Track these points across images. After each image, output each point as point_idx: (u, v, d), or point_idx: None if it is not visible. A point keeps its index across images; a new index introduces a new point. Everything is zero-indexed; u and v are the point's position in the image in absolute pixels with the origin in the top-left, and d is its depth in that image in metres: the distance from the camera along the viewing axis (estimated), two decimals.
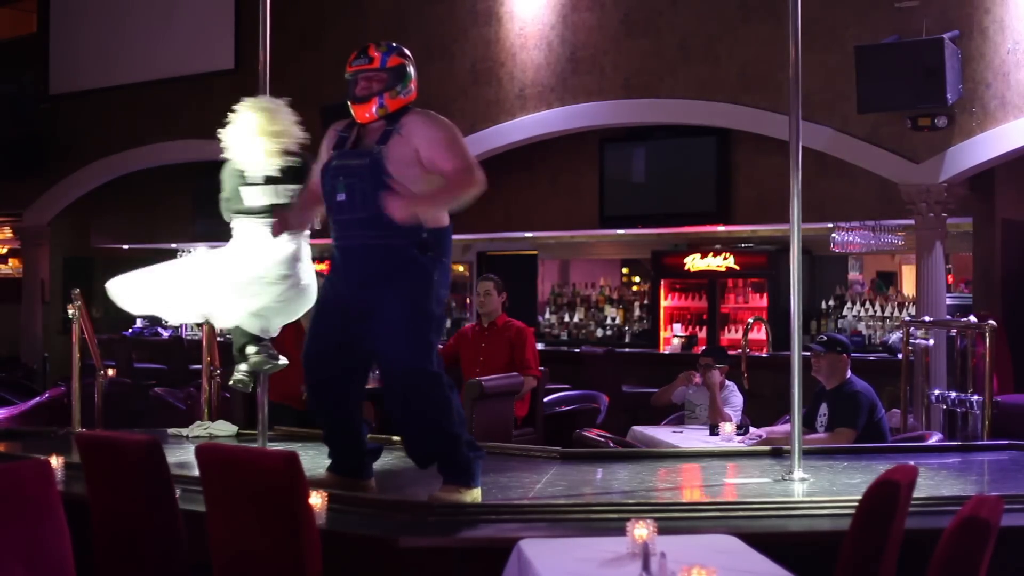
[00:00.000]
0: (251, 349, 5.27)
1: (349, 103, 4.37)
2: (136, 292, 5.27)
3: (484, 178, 4.24)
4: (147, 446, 3.91)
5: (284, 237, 4.93)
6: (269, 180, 5.12)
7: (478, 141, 11.03)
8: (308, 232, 5.03)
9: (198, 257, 5.33)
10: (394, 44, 4.43)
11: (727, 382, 7.47)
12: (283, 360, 5.26)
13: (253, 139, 5.07)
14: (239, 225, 5.21)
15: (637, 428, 7.28)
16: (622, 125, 10.76)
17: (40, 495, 3.46)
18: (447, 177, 4.22)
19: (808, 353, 5.96)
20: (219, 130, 5.14)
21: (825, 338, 6.50)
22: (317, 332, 4.44)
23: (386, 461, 4.85)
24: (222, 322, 5.23)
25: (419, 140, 4.23)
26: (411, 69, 4.40)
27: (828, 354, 6.27)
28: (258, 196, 5.14)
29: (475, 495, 4.25)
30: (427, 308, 4.21)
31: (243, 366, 5.30)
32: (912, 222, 9.29)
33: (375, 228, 4.20)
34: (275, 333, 5.22)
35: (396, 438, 5.47)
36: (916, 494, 3.68)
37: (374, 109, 4.30)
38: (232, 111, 5.08)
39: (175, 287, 5.13)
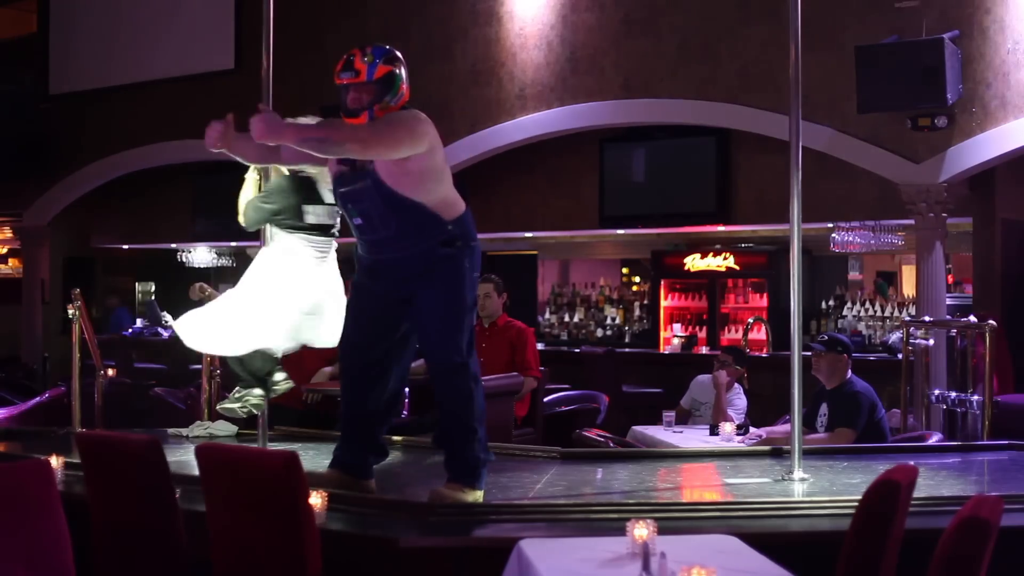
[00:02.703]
0: (279, 376, 5.33)
1: (342, 115, 4.32)
2: (204, 330, 5.22)
3: (371, 149, 4.09)
4: (147, 446, 3.91)
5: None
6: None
7: (478, 141, 11.03)
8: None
9: (253, 284, 5.18)
10: (384, 48, 4.29)
11: (735, 384, 7.48)
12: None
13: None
14: (289, 242, 5.12)
15: (637, 428, 7.28)
16: (622, 125, 10.76)
17: (40, 495, 3.46)
18: (346, 122, 4.19)
19: (808, 353, 5.96)
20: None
21: (826, 338, 6.50)
22: (352, 319, 4.45)
23: (386, 461, 4.84)
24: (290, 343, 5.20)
25: None
26: (401, 72, 4.27)
27: (828, 354, 6.27)
28: (325, 214, 5.13)
29: (477, 496, 4.25)
30: (461, 297, 4.25)
31: (258, 391, 5.31)
32: (912, 222, 9.29)
33: (401, 242, 4.22)
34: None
35: (396, 438, 5.50)
36: (916, 494, 3.68)
37: (366, 123, 4.27)
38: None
39: (244, 319, 5.09)
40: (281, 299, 5.04)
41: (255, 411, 5.33)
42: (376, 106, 4.23)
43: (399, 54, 4.33)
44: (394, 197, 4.15)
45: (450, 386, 4.27)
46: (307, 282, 5.10)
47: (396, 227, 4.19)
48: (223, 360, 5.90)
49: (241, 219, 5.28)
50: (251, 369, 5.31)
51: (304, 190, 5.10)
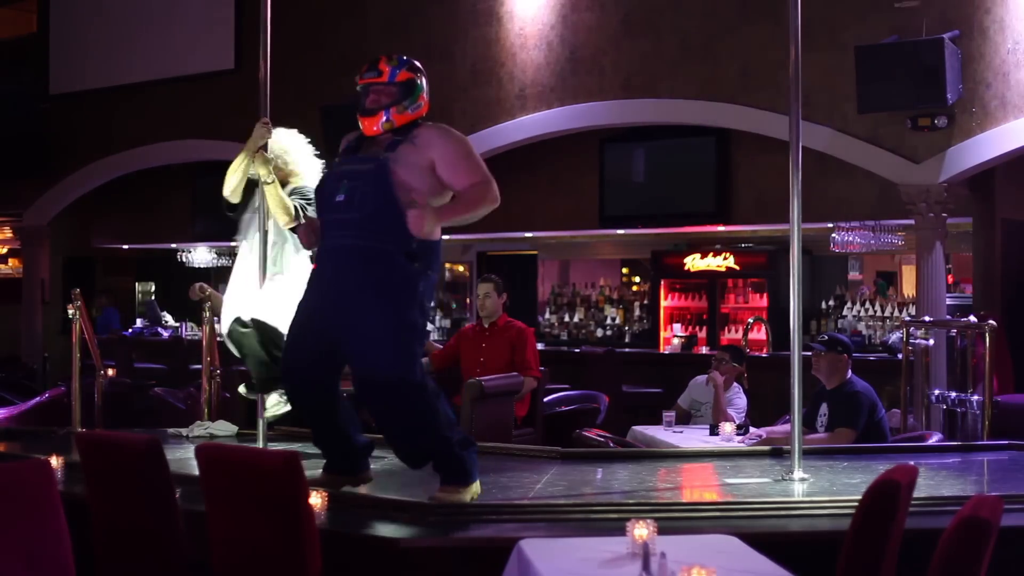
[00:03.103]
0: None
1: (358, 114, 4.36)
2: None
3: (498, 193, 4.22)
4: (147, 446, 3.91)
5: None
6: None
7: (478, 141, 11.01)
8: None
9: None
10: (405, 58, 4.41)
11: (734, 384, 7.47)
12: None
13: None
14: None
15: (637, 428, 7.28)
16: (622, 125, 10.76)
17: (40, 495, 3.46)
18: (465, 192, 4.21)
19: (808, 353, 5.96)
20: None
21: (826, 338, 6.50)
22: (298, 335, 4.36)
23: (386, 461, 4.85)
24: None
25: (435, 153, 4.22)
26: (422, 82, 4.38)
27: (828, 354, 6.27)
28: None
29: (474, 490, 4.25)
30: (411, 318, 4.18)
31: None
32: (912, 222, 9.29)
33: (367, 229, 4.18)
34: None
35: None
36: (916, 494, 3.68)
37: (381, 123, 4.29)
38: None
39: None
40: None
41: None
42: (393, 108, 4.29)
43: (422, 67, 4.43)
44: (388, 187, 4.14)
45: (413, 408, 4.16)
46: None
47: (371, 212, 4.15)
48: (224, 360, 5.90)
49: (284, 219, 5.23)
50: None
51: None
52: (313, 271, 4.46)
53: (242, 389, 5.51)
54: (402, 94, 4.31)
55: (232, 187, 5.36)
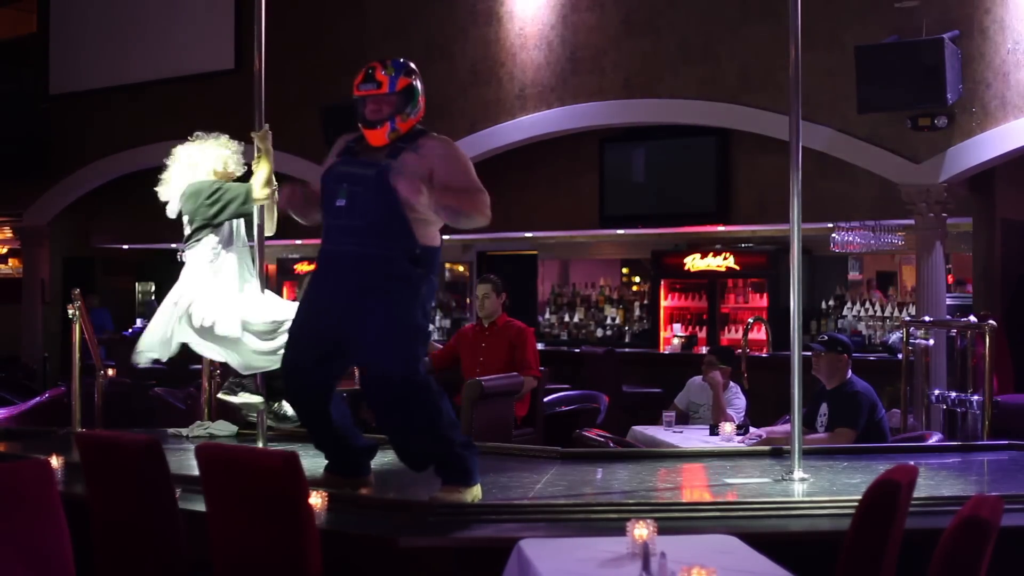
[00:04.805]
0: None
1: (360, 126, 4.34)
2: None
3: (490, 211, 4.19)
4: (147, 446, 3.91)
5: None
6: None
7: (478, 141, 11.03)
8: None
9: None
10: (400, 61, 4.36)
11: (731, 384, 7.47)
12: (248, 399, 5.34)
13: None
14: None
15: (637, 428, 7.28)
16: (622, 125, 10.76)
17: (40, 495, 3.46)
18: (461, 193, 4.18)
19: (808, 353, 5.96)
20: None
21: (826, 338, 6.50)
22: (299, 336, 4.37)
23: (386, 461, 4.85)
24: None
25: (437, 161, 4.21)
26: (418, 84, 4.35)
27: (828, 354, 6.26)
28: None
29: (475, 492, 4.25)
30: (414, 319, 4.20)
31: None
32: (912, 222, 9.30)
33: (371, 237, 4.19)
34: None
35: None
36: (916, 494, 3.68)
37: (387, 134, 4.28)
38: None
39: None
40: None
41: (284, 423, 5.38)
42: (397, 117, 4.28)
43: (415, 67, 4.39)
44: (391, 194, 4.14)
45: (416, 407, 4.17)
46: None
47: (374, 220, 4.16)
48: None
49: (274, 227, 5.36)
50: (276, 388, 5.30)
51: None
52: (313, 273, 4.47)
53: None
54: (403, 101, 4.28)
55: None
